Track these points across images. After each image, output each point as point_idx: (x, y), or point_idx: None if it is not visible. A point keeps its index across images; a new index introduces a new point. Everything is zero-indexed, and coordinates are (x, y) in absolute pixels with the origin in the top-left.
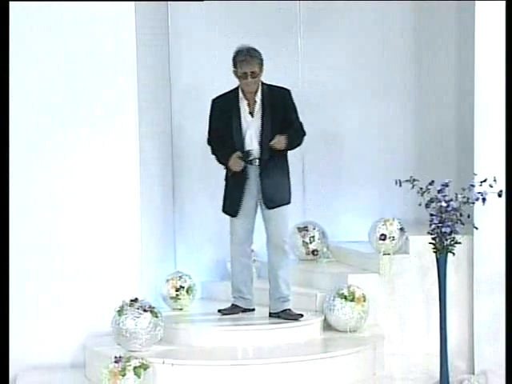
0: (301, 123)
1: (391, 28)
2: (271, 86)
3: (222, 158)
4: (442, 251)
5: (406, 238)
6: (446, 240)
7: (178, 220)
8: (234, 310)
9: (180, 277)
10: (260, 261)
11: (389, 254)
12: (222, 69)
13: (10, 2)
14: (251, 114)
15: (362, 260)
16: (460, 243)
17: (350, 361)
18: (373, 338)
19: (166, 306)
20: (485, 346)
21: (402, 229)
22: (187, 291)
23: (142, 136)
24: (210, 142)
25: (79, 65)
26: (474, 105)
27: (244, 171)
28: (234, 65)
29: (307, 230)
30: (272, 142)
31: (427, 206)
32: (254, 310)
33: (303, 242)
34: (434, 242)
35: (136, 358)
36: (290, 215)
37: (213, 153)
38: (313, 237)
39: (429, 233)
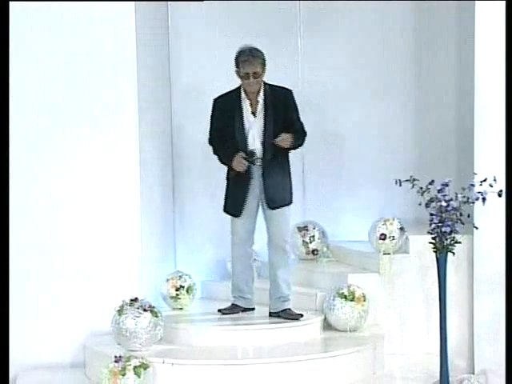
0: (302, 123)
1: (391, 28)
2: (273, 86)
3: (225, 158)
4: (441, 251)
5: (406, 238)
6: (446, 239)
7: (178, 220)
8: (233, 309)
9: (180, 276)
10: (260, 260)
11: (389, 254)
12: (222, 69)
13: (10, 2)
14: (253, 114)
15: (362, 259)
16: (460, 243)
17: (350, 360)
18: (373, 338)
19: (166, 305)
20: (485, 345)
21: (402, 228)
22: (187, 291)
23: (142, 136)
24: (211, 141)
25: (79, 65)
26: (474, 105)
27: (247, 171)
28: (237, 65)
29: (307, 230)
30: (278, 140)
31: (427, 205)
32: (253, 309)
33: (303, 241)
34: (433, 241)
35: (136, 358)
36: (291, 215)
37: (215, 153)
38: (313, 236)
39: (429, 232)
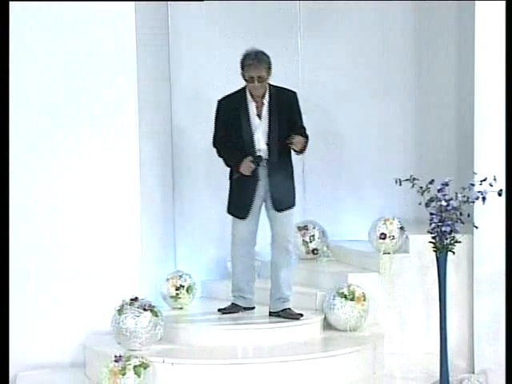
0: (304, 128)
1: (391, 28)
2: (278, 87)
3: (231, 161)
4: (441, 250)
5: (406, 237)
6: (446, 239)
7: (178, 220)
8: (233, 309)
9: (180, 276)
10: (261, 260)
11: (389, 253)
12: (222, 69)
13: (10, 2)
14: (259, 116)
15: (362, 259)
16: (460, 242)
17: (350, 360)
18: (373, 337)
19: (166, 305)
20: (485, 345)
21: (402, 228)
22: (187, 290)
23: (142, 136)
24: (215, 144)
25: (79, 65)
26: (474, 105)
27: (253, 173)
28: (242, 68)
29: (307, 229)
30: (293, 141)
31: (427, 205)
32: (253, 308)
33: (303, 241)
34: (434, 241)
35: (136, 357)
36: (293, 215)
37: (220, 155)
38: (313, 236)
39: (429, 232)
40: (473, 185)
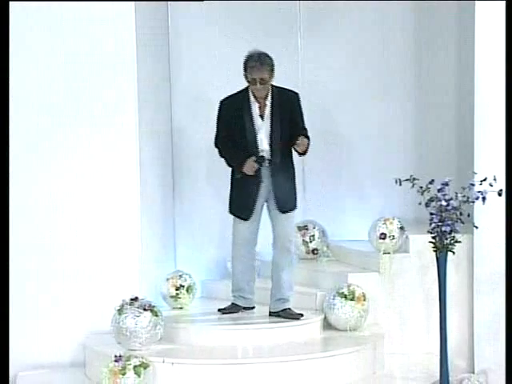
0: (306, 130)
1: (391, 28)
2: (281, 88)
3: (233, 161)
4: (441, 250)
5: (406, 237)
6: (446, 239)
7: (178, 220)
8: (233, 308)
9: (180, 276)
10: (261, 260)
11: (389, 253)
12: (222, 69)
13: (10, 2)
14: (261, 116)
15: (362, 259)
16: (460, 242)
17: (350, 360)
18: (373, 337)
19: (166, 304)
20: (485, 345)
21: (402, 228)
22: (187, 290)
23: (142, 136)
24: (217, 144)
25: (79, 65)
26: (474, 105)
27: (256, 173)
28: (245, 69)
29: (307, 229)
30: (297, 142)
31: (427, 204)
32: (253, 308)
33: (303, 240)
34: (434, 240)
35: (136, 357)
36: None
37: (221, 155)
38: (313, 236)
39: (429, 232)
40: (473, 185)
